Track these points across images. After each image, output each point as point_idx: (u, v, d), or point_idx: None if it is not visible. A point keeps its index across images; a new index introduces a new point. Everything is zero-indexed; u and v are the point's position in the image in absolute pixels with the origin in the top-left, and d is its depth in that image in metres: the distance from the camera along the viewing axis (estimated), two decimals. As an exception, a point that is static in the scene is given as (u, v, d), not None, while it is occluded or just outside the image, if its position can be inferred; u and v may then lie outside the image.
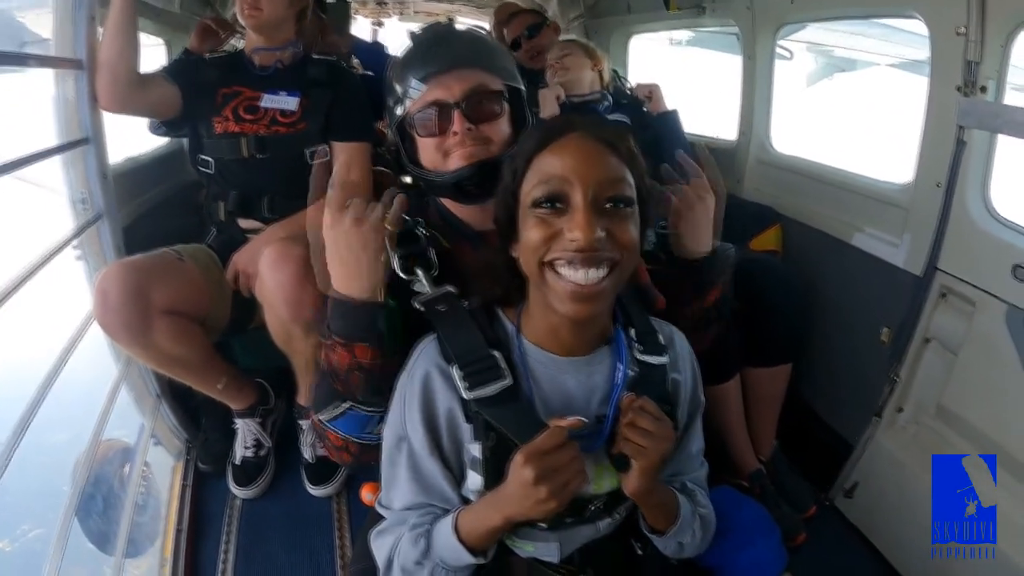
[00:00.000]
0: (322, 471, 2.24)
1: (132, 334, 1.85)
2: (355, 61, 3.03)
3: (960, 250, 1.87)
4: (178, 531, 2.04)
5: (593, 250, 0.97)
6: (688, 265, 1.37)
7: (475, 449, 1.08)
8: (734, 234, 2.41)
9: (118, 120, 2.16)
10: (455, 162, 1.31)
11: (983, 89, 1.74)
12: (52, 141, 1.96)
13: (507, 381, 1.06)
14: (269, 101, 2.22)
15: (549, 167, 1.01)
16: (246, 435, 2.27)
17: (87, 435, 1.92)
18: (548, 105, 2.58)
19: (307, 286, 1.76)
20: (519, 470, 0.97)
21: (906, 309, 2.01)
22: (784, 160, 2.76)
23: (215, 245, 2.19)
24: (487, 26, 4.24)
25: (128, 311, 1.81)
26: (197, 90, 2.21)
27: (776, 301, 2.16)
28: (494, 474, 1.05)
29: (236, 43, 2.62)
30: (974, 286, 1.82)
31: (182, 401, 2.41)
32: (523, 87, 1.41)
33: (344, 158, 2.24)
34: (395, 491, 1.14)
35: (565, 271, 0.99)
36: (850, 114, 9.05)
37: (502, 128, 1.34)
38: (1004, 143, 1.79)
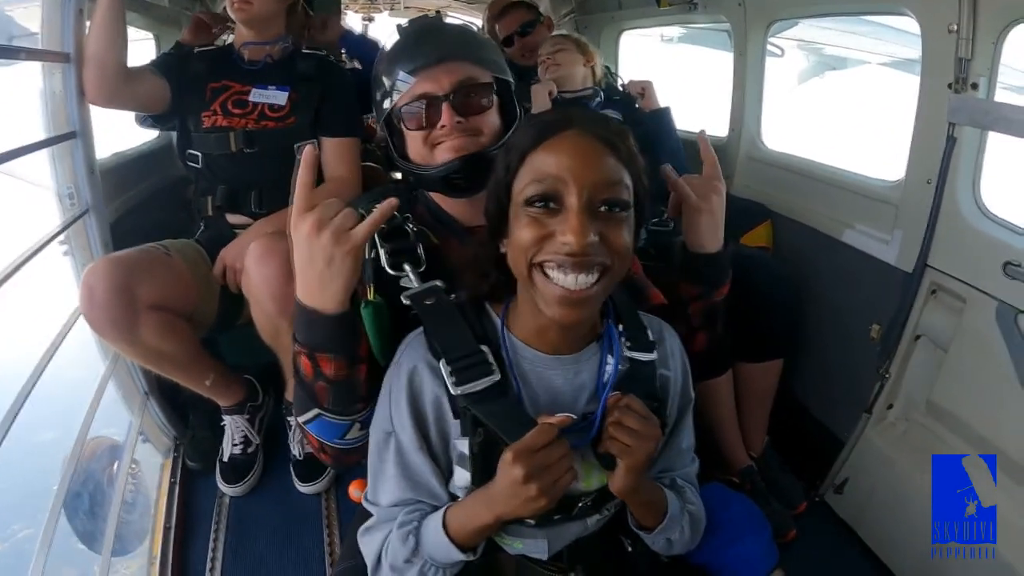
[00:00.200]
0: (311, 468, 2.24)
1: (119, 330, 1.83)
2: (344, 55, 3.03)
3: (950, 247, 1.87)
4: (166, 529, 2.03)
5: (585, 255, 0.95)
6: (702, 261, 1.36)
7: (463, 445, 1.07)
8: (725, 230, 2.43)
9: (106, 114, 2.14)
10: (444, 155, 1.30)
11: (974, 86, 1.74)
12: (39, 135, 1.94)
13: (495, 376, 1.05)
14: (258, 96, 2.21)
15: (544, 165, 0.99)
16: (234, 432, 2.26)
17: (86, 437, 1.91)
18: (540, 101, 2.57)
19: (294, 281, 1.74)
20: (508, 468, 0.96)
21: (896, 306, 2.01)
22: (775, 157, 2.76)
23: (203, 240, 2.18)
24: (479, 22, 4.24)
25: (115, 306, 1.80)
26: (186, 84, 2.20)
27: (768, 296, 2.16)
28: (482, 470, 1.04)
29: (225, 37, 2.60)
30: (964, 283, 1.83)
31: (170, 398, 2.39)
32: (512, 80, 1.40)
33: (333, 153, 2.23)
34: (382, 487, 1.13)
35: (555, 274, 0.97)
36: (841, 112, 9.07)
37: (491, 120, 1.34)
38: (995, 140, 1.79)
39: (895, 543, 1.94)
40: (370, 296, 1.16)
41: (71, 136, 1.99)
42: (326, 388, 1.13)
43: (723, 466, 2.20)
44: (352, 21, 6.07)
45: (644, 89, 2.65)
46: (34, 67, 1.97)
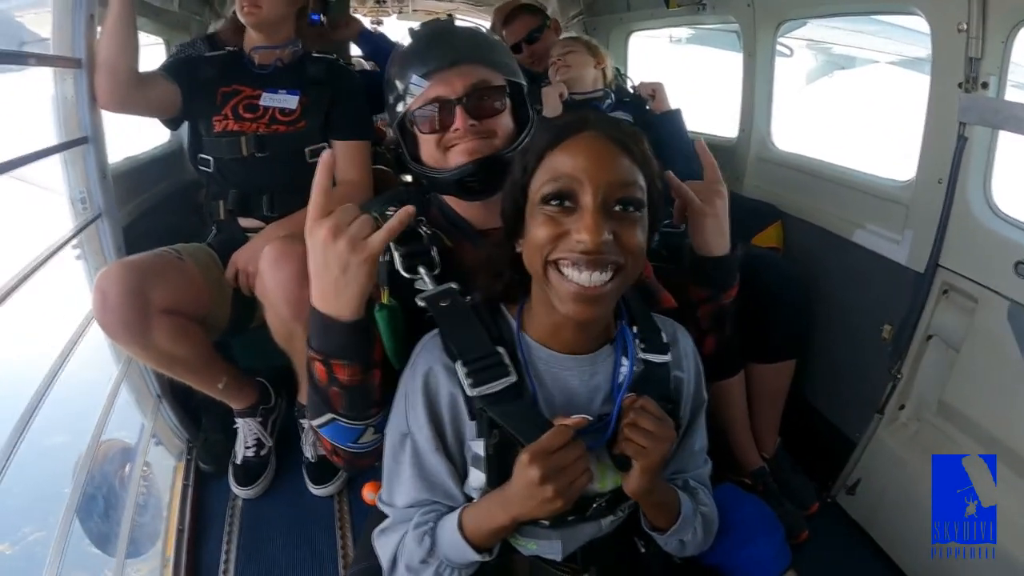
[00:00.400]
0: (323, 470, 2.24)
1: (132, 333, 1.84)
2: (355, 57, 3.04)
3: (962, 247, 1.86)
4: (179, 531, 2.04)
5: (599, 253, 0.96)
6: (710, 264, 1.37)
7: (478, 447, 1.07)
8: (735, 231, 2.42)
9: (118, 119, 2.15)
10: (457, 158, 1.31)
11: (984, 85, 1.74)
12: (51, 140, 1.95)
13: (512, 378, 1.05)
14: (269, 99, 2.22)
15: (561, 165, 1.00)
16: (247, 435, 2.27)
17: (88, 436, 1.92)
18: (551, 103, 2.57)
19: (308, 284, 1.75)
20: (524, 470, 0.96)
21: (908, 306, 2.00)
22: (785, 157, 2.75)
23: (215, 244, 2.18)
24: (487, 25, 4.24)
25: (128, 310, 1.80)
26: (197, 88, 2.22)
27: (779, 297, 2.15)
28: (497, 472, 1.05)
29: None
30: (976, 283, 1.82)
31: (183, 401, 2.40)
32: (524, 82, 1.41)
33: (344, 157, 2.24)
34: (398, 488, 1.13)
35: (569, 272, 0.98)
36: (851, 111, 9.03)
37: (505, 123, 1.35)
38: (1006, 139, 1.79)
39: (907, 544, 1.93)
40: (384, 299, 1.17)
41: (83, 141, 2.00)
42: (340, 393, 1.13)
43: (735, 467, 2.19)
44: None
45: (655, 91, 2.64)
46: (46, 73, 1.98)
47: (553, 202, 1.00)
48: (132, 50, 2.02)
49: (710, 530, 1.21)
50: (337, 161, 2.17)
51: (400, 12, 6.03)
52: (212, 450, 2.34)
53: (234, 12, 2.24)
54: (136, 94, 2.07)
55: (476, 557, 1.05)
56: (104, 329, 1.86)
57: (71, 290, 2.12)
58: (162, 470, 2.30)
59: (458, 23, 1.44)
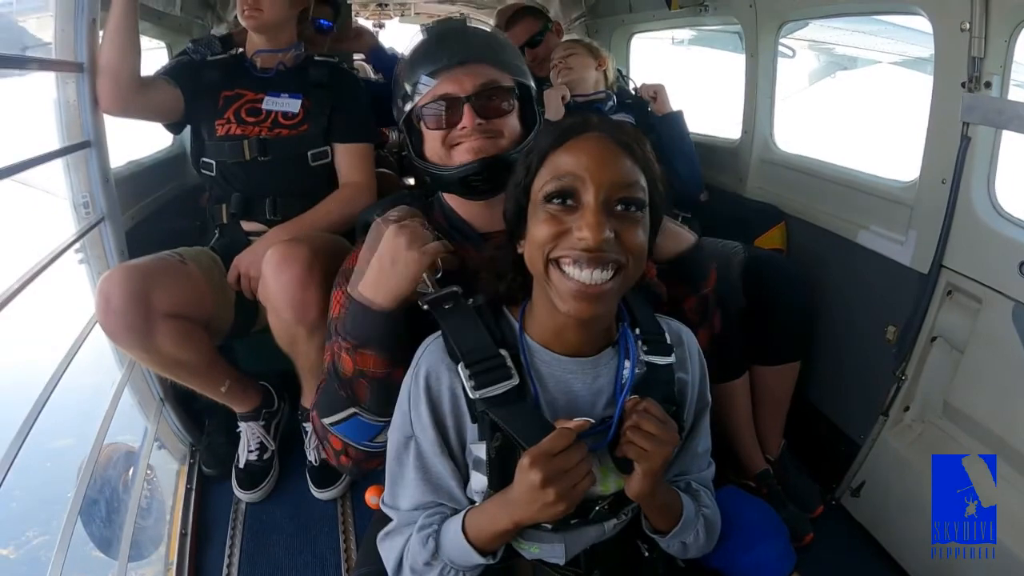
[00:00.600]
0: (327, 474, 2.23)
1: (134, 337, 1.84)
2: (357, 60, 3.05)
3: (966, 247, 1.85)
4: (182, 535, 2.04)
5: (600, 251, 0.96)
6: (678, 263, 1.37)
7: (479, 450, 1.07)
8: (739, 233, 2.43)
9: (121, 123, 2.15)
10: (462, 156, 1.31)
11: (987, 85, 1.73)
12: (54, 145, 1.95)
13: (514, 381, 1.05)
14: (271, 103, 2.22)
15: (563, 164, 1.01)
16: (250, 438, 2.27)
17: (91, 440, 1.92)
18: (553, 106, 2.58)
19: (311, 288, 1.75)
20: (526, 473, 0.96)
21: (912, 307, 2.00)
22: (788, 158, 2.75)
23: (218, 248, 2.18)
24: (489, 28, 4.23)
25: (130, 314, 1.80)
26: (199, 92, 2.21)
27: (783, 299, 2.15)
28: (499, 475, 1.04)
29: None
30: (980, 283, 1.81)
31: (186, 405, 2.41)
32: (533, 84, 1.41)
33: (347, 159, 2.24)
34: (402, 491, 1.13)
35: (570, 270, 0.98)
36: (854, 112, 9.03)
37: (511, 124, 1.35)
38: (1009, 139, 1.78)
39: (912, 546, 1.92)
40: (400, 314, 1.19)
41: (86, 145, 2.00)
42: (367, 386, 1.16)
43: (739, 470, 2.19)
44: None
45: (656, 93, 2.64)
46: (48, 77, 1.98)
47: (555, 200, 1.00)
48: (134, 54, 2.02)
49: (712, 532, 1.20)
50: (340, 164, 2.19)
51: (402, 15, 6.03)
52: (215, 454, 2.34)
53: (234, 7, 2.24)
54: (138, 98, 2.07)
55: (480, 560, 1.05)
56: (107, 333, 1.86)
57: (75, 294, 2.12)
58: (165, 474, 2.30)
59: (471, 24, 1.45)
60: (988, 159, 1.81)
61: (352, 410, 1.18)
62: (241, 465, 2.26)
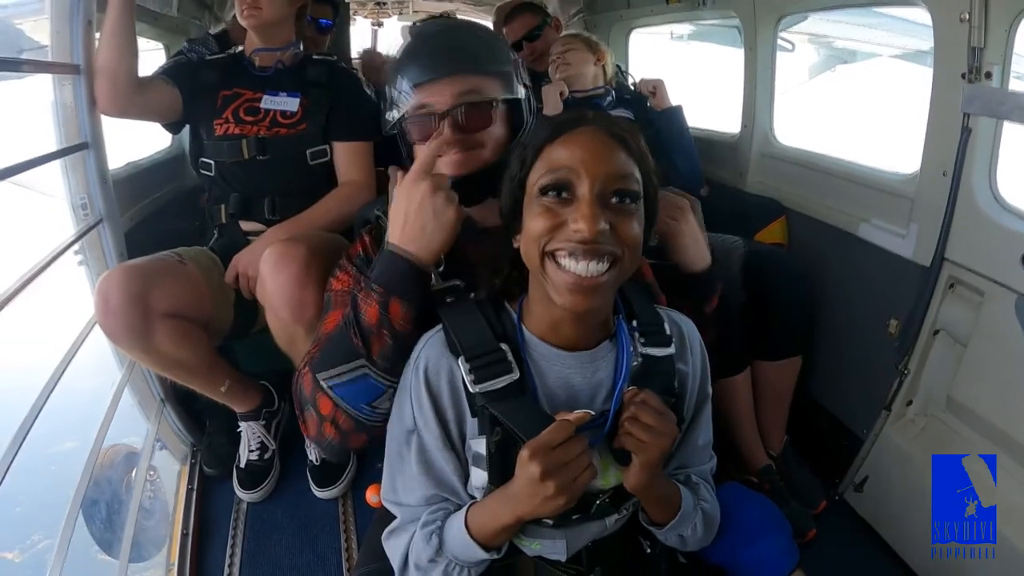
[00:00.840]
0: (328, 473, 2.23)
1: (134, 337, 1.84)
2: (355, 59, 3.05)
3: (968, 239, 1.84)
4: (183, 535, 2.04)
5: (596, 243, 0.96)
6: (691, 280, 1.40)
7: (479, 445, 1.07)
8: (739, 228, 2.42)
9: (121, 124, 2.15)
10: (445, 169, 1.29)
11: (988, 75, 1.72)
12: (52, 147, 1.95)
13: (514, 375, 1.05)
14: (269, 102, 2.21)
15: (558, 157, 1.01)
16: (250, 438, 2.26)
17: (101, 444, 1.93)
18: (551, 101, 2.57)
19: (308, 287, 1.74)
20: (526, 466, 0.96)
21: (914, 300, 1.99)
22: (788, 152, 2.74)
23: (217, 248, 2.18)
24: (488, 24, 4.23)
25: (129, 314, 1.80)
26: (197, 92, 2.21)
27: (784, 293, 2.15)
28: (499, 471, 1.04)
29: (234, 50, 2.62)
30: (983, 276, 1.80)
31: (186, 405, 2.40)
32: (520, 88, 1.38)
33: (346, 157, 2.24)
34: (405, 485, 1.13)
35: (566, 262, 0.98)
36: (854, 106, 9.01)
37: (495, 133, 1.33)
38: (1011, 130, 1.77)
39: (916, 541, 1.92)
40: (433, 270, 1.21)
41: (83, 147, 1.99)
42: (386, 339, 1.15)
43: (742, 465, 2.18)
44: (362, 27, 6.07)
45: (655, 88, 2.63)
46: (45, 79, 1.98)
47: (551, 193, 1.01)
48: (131, 55, 2.01)
49: (711, 526, 1.20)
50: (339, 162, 2.19)
51: (400, 13, 6.01)
52: (216, 454, 2.34)
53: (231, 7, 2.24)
54: (136, 99, 2.07)
55: (484, 555, 1.05)
56: (106, 333, 1.86)
57: (75, 296, 2.12)
58: (167, 474, 2.30)
59: (457, 22, 1.43)
60: (989, 150, 1.80)
61: (362, 364, 1.15)
62: (242, 465, 2.26)
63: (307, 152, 2.21)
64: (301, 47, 2.33)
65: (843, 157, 2.49)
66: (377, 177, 2.30)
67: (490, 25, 3.77)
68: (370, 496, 1.71)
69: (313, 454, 2.26)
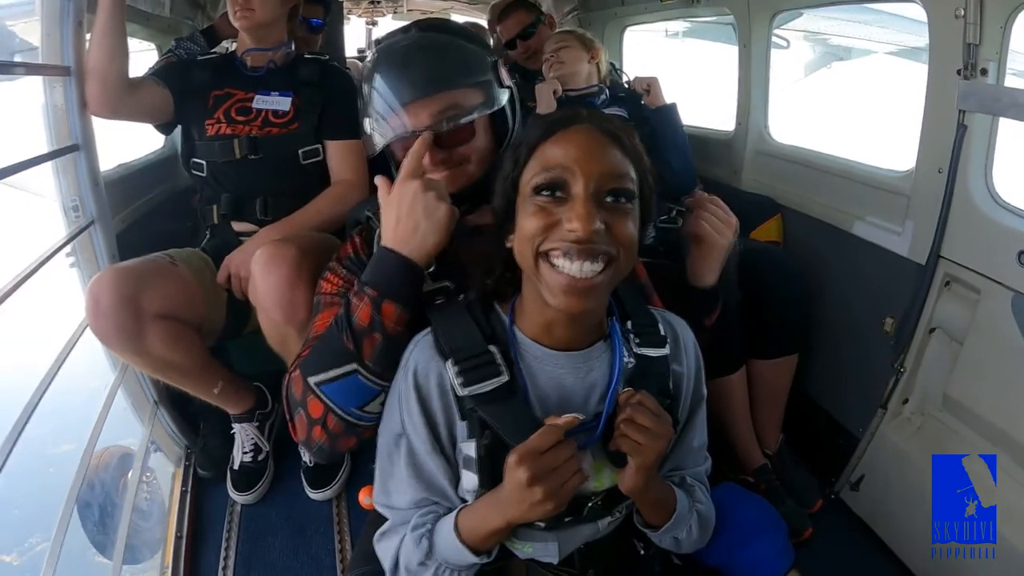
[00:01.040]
0: (321, 475, 2.23)
1: (125, 339, 1.82)
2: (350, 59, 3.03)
3: (964, 237, 1.84)
4: (178, 538, 2.03)
5: (591, 242, 0.95)
6: (697, 294, 1.40)
7: (469, 448, 1.05)
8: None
9: (113, 126, 2.15)
10: None
11: (984, 72, 1.71)
12: (44, 148, 1.94)
13: (503, 378, 1.04)
14: (261, 102, 2.20)
15: (552, 156, 1.00)
16: (244, 440, 2.25)
17: (94, 446, 1.92)
18: (545, 100, 2.56)
19: (299, 288, 1.73)
20: (513, 471, 0.95)
21: (910, 298, 1.98)
22: (783, 150, 2.73)
23: (209, 249, 2.17)
24: (483, 22, 4.23)
25: (120, 316, 1.79)
26: (189, 93, 2.20)
27: (780, 291, 2.14)
28: (489, 474, 1.03)
29: (228, 45, 2.60)
30: (979, 273, 1.80)
31: (180, 407, 2.39)
32: (502, 92, 1.35)
33: (339, 156, 2.23)
34: (395, 489, 1.12)
35: (560, 262, 0.97)
36: (850, 103, 9.01)
37: (479, 145, 1.32)
38: (1006, 127, 1.77)
39: (912, 540, 1.91)
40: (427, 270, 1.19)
41: (74, 149, 1.98)
42: (378, 341, 1.13)
43: (737, 465, 2.18)
44: (356, 26, 6.07)
45: (649, 85, 2.63)
46: (37, 80, 1.97)
47: (544, 192, 0.99)
48: (122, 56, 2.00)
49: (706, 528, 1.19)
50: (332, 161, 2.18)
51: (395, 12, 6.00)
52: (210, 456, 2.33)
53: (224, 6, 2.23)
54: (127, 100, 2.06)
55: (474, 559, 1.04)
56: (97, 335, 1.84)
57: (68, 298, 2.11)
58: (161, 476, 2.29)
59: (425, 36, 1.37)
60: (985, 147, 1.79)
61: (352, 366, 1.13)
62: (236, 467, 2.25)
63: (299, 152, 2.20)
64: (293, 47, 2.32)
65: (838, 154, 2.48)
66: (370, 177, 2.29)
67: (484, 23, 3.77)
68: (363, 498, 1.70)
69: (307, 455, 2.25)
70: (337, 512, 2.18)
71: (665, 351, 1.14)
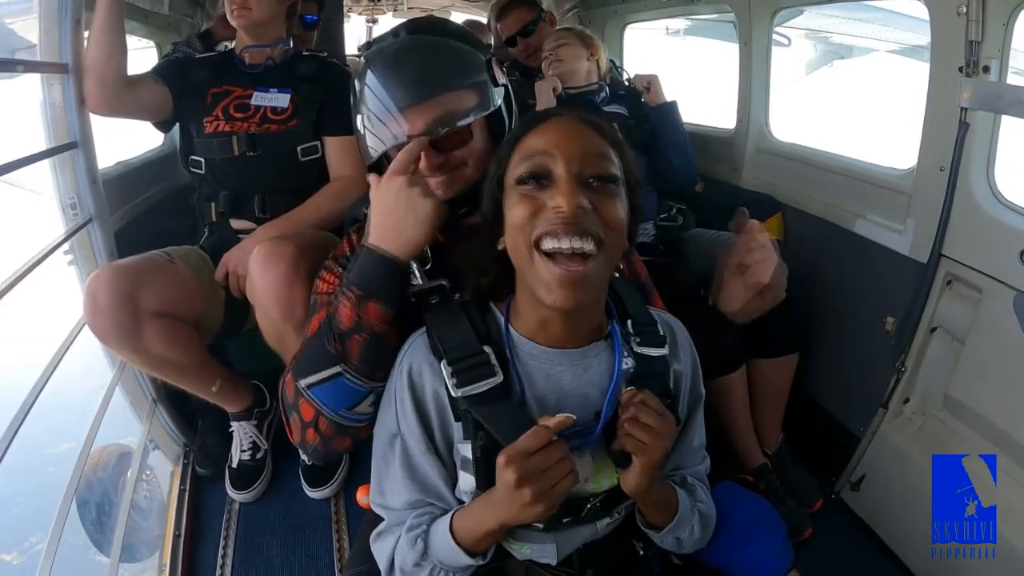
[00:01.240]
0: (320, 473, 2.22)
1: (123, 337, 1.82)
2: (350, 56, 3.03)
3: (965, 236, 1.83)
4: (176, 536, 2.02)
5: (578, 221, 0.95)
6: (716, 315, 1.42)
7: (465, 449, 1.05)
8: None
9: (110, 123, 2.14)
10: None
11: (986, 69, 1.70)
12: (41, 146, 1.94)
13: (497, 378, 1.03)
14: (260, 99, 2.20)
15: (532, 145, 1.01)
16: (243, 438, 2.25)
17: (92, 444, 1.92)
18: (544, 97, 2.55)
19: (297, 285, 1.73)
20: (501, 472, 0.94)
21: (911, 297, 1.97)
22: (784, 148, 2.73)
23: (207, 246, 2.17)
24: (484, 19, 4.22)
25: (118, 314, 1.78)
26: (187, 91, 2.20)
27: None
28: (486, 475, 1.02)
29: (227, 43, 2.60)
30: (981, 272, 1.79)
31: (179, 405, 2.39)
32: (497, 92, 1.33)
33: (337, 152, 2.22)
34: (390, 490, 1.12)
35: (551, 243, 0.96)
36: (853, 102, 9.00)
37: (476, 147, 1.29)
38: (1009, 125, 1.76)
39: (913, 540, 1.90)
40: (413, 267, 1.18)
41: (72, 146, 1.98)
42: (362, 341, 1.13)
43: (737, 465, 2.17)
44: (356, 24, 6.06)
45: (650, 83, 2.62)
46: (36, 78, 1.97)
47: (528, 181, 1.00)
48: (120, 54, 2.00)
49: (707, 527, 1.18)
50: (331, 158, 2.17)
51: (395, 10, 5.99)
52: (209, 454, 2.32)
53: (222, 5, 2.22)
54: (125, 97, 2.06)
55: (469, 561, 1.04)
56: (95, 333, 1.84)
57: (67, 296, 2.10)
58: (160, 474, 2.29)
59: (415, 39, 1.34)
60: (987, 145, 1.78)
61: (338, 368, 1.13)
62: (234, 465, 2.25)
63: (298, 148, 2.19)
64: (291, 43, 2.31)
65: (839, 153, 2.47)
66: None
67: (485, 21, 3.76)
68: (361, 497, 1.70)
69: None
70: (335, 511, 2.17)
71: (665, 351, 1.14)
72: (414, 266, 1.18)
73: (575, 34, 2.76)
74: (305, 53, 2.32)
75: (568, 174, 0.97)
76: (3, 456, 1.37)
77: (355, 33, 5.91)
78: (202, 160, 2.20)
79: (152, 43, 3.11)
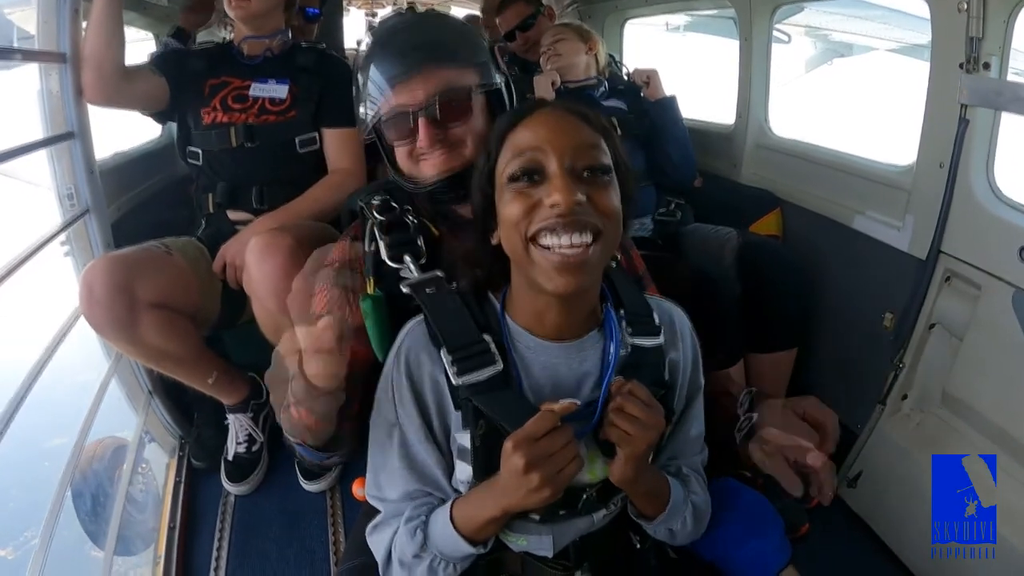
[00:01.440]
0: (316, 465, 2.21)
1: (118, 328, 1.82)
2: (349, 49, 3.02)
3: (964, 232, 1.83)
4: (171, 528, 2.02)
5: (574, 215, 0.94)
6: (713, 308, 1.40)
7: (464, 438, 1.04)
8: (734, 219, 2.40)
9: (107, 114, 2.14)
10: (428, 170, 1.26)
11: (986, 66, 1.70)
12: (38, 135, 1.94)
13: (498, 366, 1.03)
14: (258, 90, 2.19)
15: (522, 139, 1.00)
16: (238, 430, 2.25)
17: (86, 436, 1.92)
18: (543, 92, 2.55)
19: (294, 277, 1.73)
20: (509, 457, 0.93)
21: (910, 293, 1.97)
22: (783, 143, 2.73)
23: (204, 238, 2.16)
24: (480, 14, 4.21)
25: (114, 305, 1.78)
26: (185, 81, 2.19)
27: (779, 285, 2.13)
28: (484, 464, 1.02)
29: (226, 34, 2.59)
30: (979, 269, 1.79)
31: (175, 397, 2.38)
32: (497, 76, 1.33)
33: (336, 145, 2.21)
34: (388, 480, 1.11)
35: (549, 239, 0.95)
36: (852, 99, 9.00)
37: (475, 126, 1.28)
38: (1008, 121, 1.76)
39: (910, 537, 1.90)
40: (369, 290, 1.16)
41: (69, 136, 1.98)
42: (309, 433, 1.14)
43: (734, 460, 2.17)
44: (355, 18, 6.05)
45: (649, 78, 2.62)
46: (34, 67, 1.96)
47: (521, 178, 0.98)
48: (118, 44, 2.00)
49: (701, 519, 1.18)
50: (329, 150, 2.17)
51: (394, 3, 5.98)
52: (204, 446, 2.32)
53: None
54: (123, 88, 2.05)
55: (470, 549, 1.03)
56: (91, 324, 1.84)
57: (63, 287, 2.10)
58: (155, 467, 2.29)
59: (423, 14, 1.36)
60: (987, 142, 1.78)
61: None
62: (230, 457, 2.25)
63: (296, 140, 2.19)
64: (290, 35, 2.30)
65: (839, 149, 2.47)
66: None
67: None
68: (356, 490, 1.69)
69: (301, 447, 2.24)
70: (331, 503, 2.17)
71: (659, 340, 1.12)
72: (408, 260, 1.18)
73: (573, 29, 2.76)
74: (304, 44, 2.31)
75: (561, 169, 0.95)
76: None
77: (354, 28, 5.89)
78: (200, 151, 2.19)
79: (150, 34, 3.10)
